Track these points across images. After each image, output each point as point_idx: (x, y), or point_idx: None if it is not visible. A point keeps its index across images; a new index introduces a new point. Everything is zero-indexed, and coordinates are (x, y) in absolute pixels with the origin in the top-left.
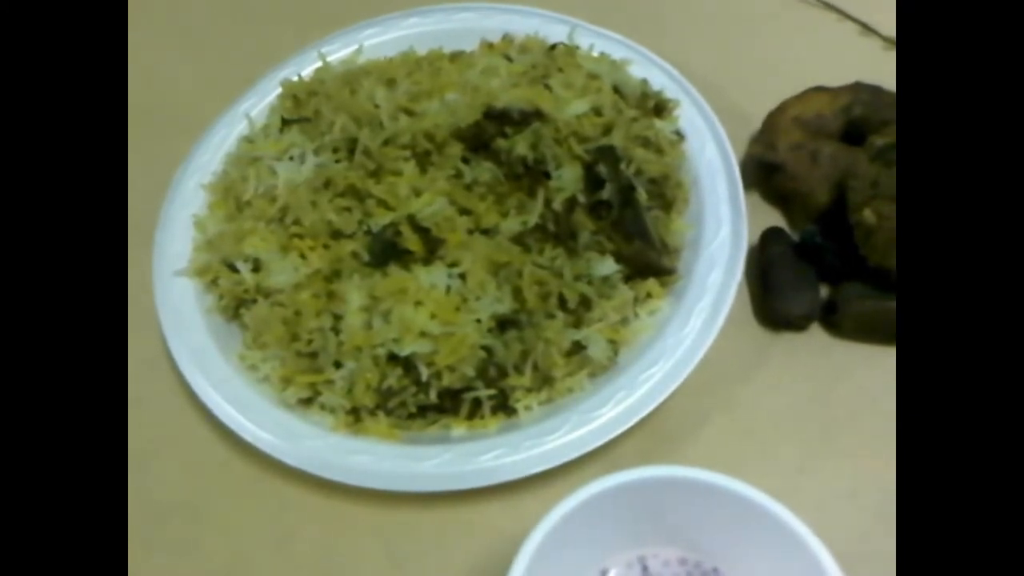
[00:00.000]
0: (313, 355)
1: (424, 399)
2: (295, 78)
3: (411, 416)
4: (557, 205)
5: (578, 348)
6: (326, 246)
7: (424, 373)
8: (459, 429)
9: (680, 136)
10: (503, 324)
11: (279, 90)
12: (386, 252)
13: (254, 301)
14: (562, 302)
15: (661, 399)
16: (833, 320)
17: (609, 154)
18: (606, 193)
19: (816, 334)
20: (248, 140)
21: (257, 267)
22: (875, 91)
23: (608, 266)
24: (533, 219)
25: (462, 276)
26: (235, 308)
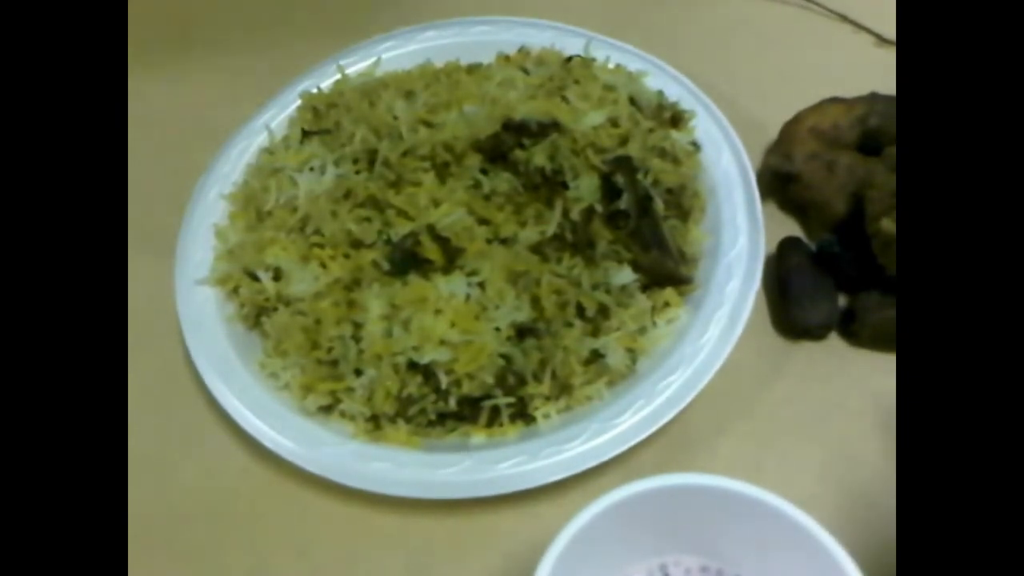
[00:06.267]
0: (333, 363)
1: (443, 407)
2: (314, 90)
3: (430, 424)
4: (575, 215)
5: (596, 356)
6: (346, 255)
7: (444, 381)
8: (478, 437)
9: (696, 147)
10: (522, 332)
11: (298, 102)
12: (406, 261)
13: (275, 309)
14: (580, 311)
15: (680, 408)
16: (851, 329)
17: (626, 164)
18: (623, 203)
19: (834, 343)
20: (268, 151)
21: (278, 276)
22: (891, 102)
23: (626, 275)
24: (551, 229)
25: (481, 285)
26: (256, 316)
